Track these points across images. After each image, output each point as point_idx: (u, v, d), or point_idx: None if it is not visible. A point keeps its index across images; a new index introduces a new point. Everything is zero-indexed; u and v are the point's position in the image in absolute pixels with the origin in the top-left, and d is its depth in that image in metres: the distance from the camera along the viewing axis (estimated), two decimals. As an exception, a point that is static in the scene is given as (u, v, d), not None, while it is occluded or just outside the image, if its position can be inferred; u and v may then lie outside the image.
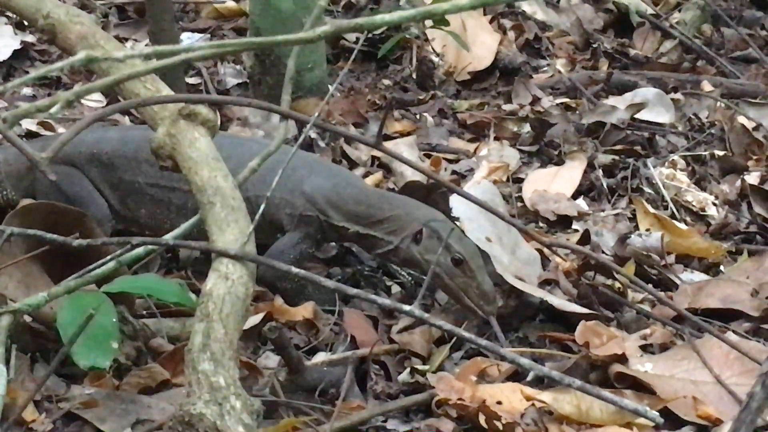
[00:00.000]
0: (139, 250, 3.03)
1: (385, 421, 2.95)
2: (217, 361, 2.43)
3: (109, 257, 2.98)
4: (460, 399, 2.95)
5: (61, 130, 4.38)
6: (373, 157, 4.52)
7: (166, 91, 3.24)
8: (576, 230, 4.04)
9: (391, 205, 3.57)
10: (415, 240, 3.46)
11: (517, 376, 3.12)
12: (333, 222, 3.54)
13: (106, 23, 5.38)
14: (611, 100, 5.15)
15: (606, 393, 2.88)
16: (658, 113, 5.05)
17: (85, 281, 2.89)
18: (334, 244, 3.79)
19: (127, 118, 4.48)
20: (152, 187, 3.61)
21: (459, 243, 3.41)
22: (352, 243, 3.70)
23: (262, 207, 2.93)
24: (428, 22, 5.44)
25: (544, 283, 3.62)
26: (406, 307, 2.57)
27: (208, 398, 2.35)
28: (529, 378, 3.09)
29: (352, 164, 4.49)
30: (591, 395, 2.84)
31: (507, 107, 5.23)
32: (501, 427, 2.87)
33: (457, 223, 3.57)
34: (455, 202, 3.64)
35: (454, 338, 3.31)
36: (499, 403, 2.93)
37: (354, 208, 3.56)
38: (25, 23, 4.82)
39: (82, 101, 4.65)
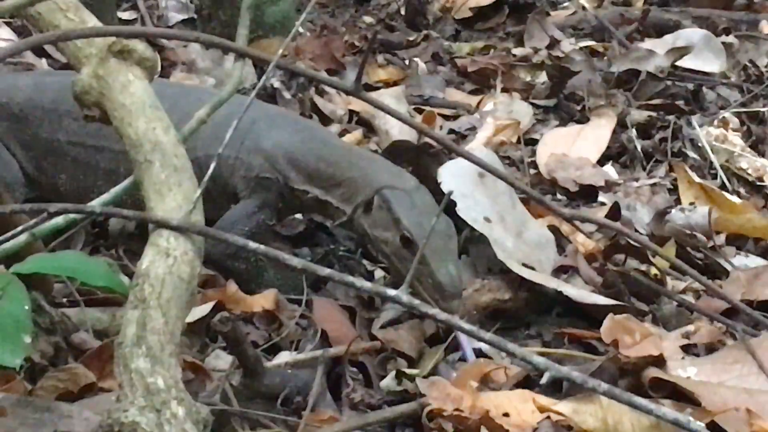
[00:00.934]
0: (58, 220, 2.98)
1: (368, 434, 2.93)
2: (154, 358, 2.42)
3: (20, 228, 2.97)
4: (457, 410, 2.94)
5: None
6: (351, 112, 4.51)
7: (92, 22, 3.23)
8: (603, 203, 4.04)
9: (350, 164, 3.53)
10: (366, 209, 3.43)
11: (528, 382, 3.12)
12: (293, 185, 3.51)
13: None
14: (648, 44, 5.17)
15: (640, 400, 2.86)
16: (706, 60, 5.06)
17: (-7, 259, 2.88)
18: (300, 217, 3.77)
19: (44, 61, 4.46)
20: (75, 147, 3.58)
21: (412, 217, 3.33)
22: (315, 214, 3.68)
23: (212, 167, 2.92)
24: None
25: (560, 271, 3.61)
26: (392, 292, 2.55)
27: (144, 404, 2.33)
28: (543, 381, 3.09)
29: (325, 120, 4.48)
30: (621, 402, 2.82)
31: (518, 52, 5.25)
32: (507, 444, 2.88)
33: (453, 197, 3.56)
34: (444, 173, 3.63)
35: (452, 335, 3.31)
36: (506, 415, 2.92)
37: (315, 166, 3.53)
38: None
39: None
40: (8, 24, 4.63)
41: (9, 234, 2.88)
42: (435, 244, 3.22)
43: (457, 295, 3.20)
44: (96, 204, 2.95)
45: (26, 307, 2.75)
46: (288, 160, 3.51)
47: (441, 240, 3.26)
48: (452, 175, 3.60)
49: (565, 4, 5.71)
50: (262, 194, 3.51)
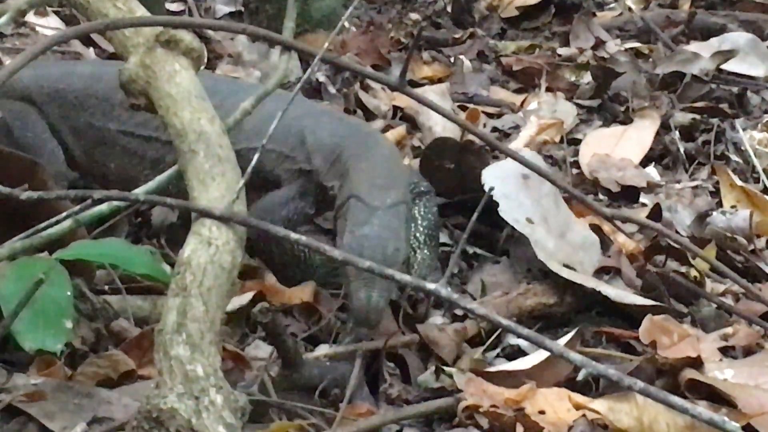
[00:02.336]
0: (102, 207, 3.01)
1: (400, 430, 2.94)
2: (194, 346, 2.43)
3: (64, 215, 2.98)
4: (493, 406, 2.94)
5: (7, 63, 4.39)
6: (395, 108, 4.51)
7: (140, 12, 3.24)
8: (644, 204, 4.04)
9: (352, 163, 3.50)
10: (339, 213, 3.44)
11: (566, 380, 3.12)
12: (323, 182, 3.53)
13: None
14: (693, 46, 5.16)
15: (676, 399, 2.87)
16: (752, 64, 5.05)
17: (34, 244, 2.89)
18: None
19: (92, 50, 4.47)
20: (125, 136, 3.60)
21: (354, 232, 3.28)
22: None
23: (255, 158, 2.94)
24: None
25: (602, 271, 3.61)
26: (431, 285, 2.56)
27: (182, 391, 2.34)
28: (579, 378, 3.09)
29: (370, 115, 4.48)
30: (657, 401, 2.83)
31: (563, 51, 5.25)
32: (543, 442, 2.89)
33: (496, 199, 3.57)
34: (488, 175, 3.63)
35: (493, 337, 3.32)
36: (542, 412, 2.93)
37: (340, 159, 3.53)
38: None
39: (36, 28, 4.65)
40: (57, 13, 4.63)
41: (53, 220, 2.90)
42: (368, 260, 2.98)
43: (367, 323, 3.13)
44: (140, 192, 2.97)
45: (68, 293, 2.76)
46: (321, 151, 3.51)
47: (381, 255, 3.16)
48: (496, 178, 3.59)
49: (612, 5, 5.71)
50: (302, 184, 3.52)
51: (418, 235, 3.53)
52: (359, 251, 3.12)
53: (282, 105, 2.97)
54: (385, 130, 4.35)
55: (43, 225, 2.93)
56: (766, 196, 4.13)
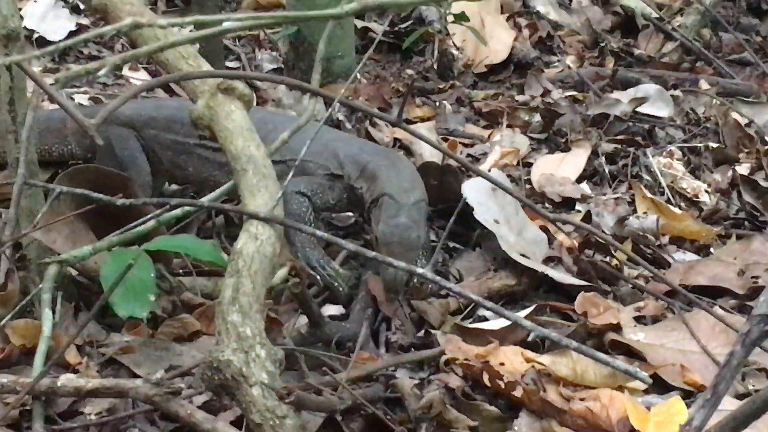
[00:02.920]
0: (177, 211, 3.04)
1: (394, 370, 2.93)
2: (244, 313, 2.44)
3: (148, 216, 3.00)
4: (466, 359, 2.95)
5: (108, 101, 4.41)
6: (395, 139, 4.52)
7: (206, 67, 3.25)
8: (579, 211, 4.04)
9: (382, 173, 3.51)
10: (373, 206, 3.46)
11: (521, 341, 3.12)
12: (352, 183, 3.54)
13: (154, 9, 5.39)
14: (615, 94, 5.15)
15: (600, 354, 2.86)
16: (658, 108, 5.05)
17: (126, 238, 2.90)
18: (351, 214, 3.78)
19: (166, 95, 4.48)
20: (200, 148, 3.64)
21: (389, 224, 3.32)
22: (360, 208, 3.63)
23: (292, 171, 2.96)
24: (450, 18, 5.45)
25: (549, 260, 3.61)
26: (420, 270, 2.57)
27: (236, 347, 2.36)
28: (530, 338, 3.10)
29: (375, 143, 4.50)
30: (587, 356, 2.83)
31: (519, 98, 5.24)
32: (503, 386, 2.87)
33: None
34: (466, 188, 3.65)
35: (468, 308, 3.33)
36: (502, 364, 2.92)
37: (365, 170, 3.54)
38: (81, 5, 4.84)
39: (130, 79, 4.66)
40: (145, 68, 4.64)
41: (140, 221, 2.93)
42: (397, 250, 3.19)
43: (395, 291, 3.20)
44: (205, 200, 2.99)
45: (152, 275, 2.79)
46: (350, 163, 3.52)
47: (403, 248, 3.23)
48: (472, 189, 3.62)
49: (555, 64, 5.70)
50: (330, 180, 3.55)
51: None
52: (391, 237, 3.23)
53: (317, 135, 3.09)
54: (389, 154, 4.38)
55: (133, 224, 2.95)
56: (668, 205, 4.13)
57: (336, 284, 3.32)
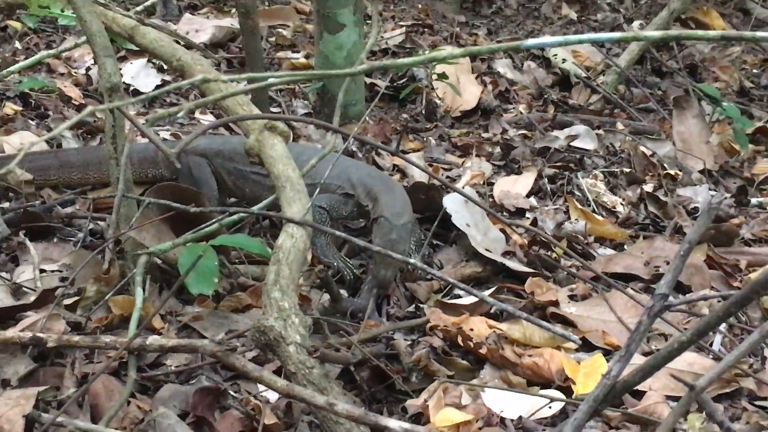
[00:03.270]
0: (234, 216, 3.07)
1: (393, 334, 2.93)
2: (283, 292, 2.44)
3: (213, 221, 3.00)
4: (445, 326, 2.95)
5: (183, 136, 4.41)
6: (394, 165, 4.52)
7: (256, 112, 3.26)
8: (528, 218, 4.04)
9: (382, 196, 3.48)
10: (374, 222, 3.43)
11: (486, 313, 3.12)
12: (359, 200, 3.52)
13: (218, 69, 5.40)
14: (555, 133, 5.14)
15: (543, 322, 2.88)
16: (586, 142, 5.05)
17: (197, 236, 2.90)
18: (361, 220, 3.78)
19: (228, 133, 4.48)
20: (254, 174, 3.61)
21: (382, 238, 3.29)
22: (366, 219, 3.59)
23: (317, 190, 2.97)
24: (434, 76, 5.46)
25: (506, 254, 3.61)
26: (411, 260, 2.58)
27: (277, 316, 2.36)
28: (492, 311, 3.10)
29: (379, 168, 4.49)
30: (534, 324, 2.84)
31: (485, 135, 5.23)
32: (472, 346, 2.87)
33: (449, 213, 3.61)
34: (446, 200, 3.66)
35: (447, 289, 3.33)
36: (471, 329, 2.93)
37: (370, 192, 3.51)
38: (164, 66, 4.84)
39: (200, 120, 4.67)
40: (212, 112, 4.64)
41: (207, 223, 2.92)
42: (389, 258, 3.06)
43: (383, 287, 3.17)
44: (255, 209, 2.99)
45: (215, 263, 2.80)
46: (360, 186, 3.51)
47: (388, 251, 3.06)
48: (451, 202, 3.63)
49: (511, 110, 5.69)
50: (345, 197, 3.53)
51: (415, 243, 3.56)
52: (386, 249, 3.11)
53: (340, 162, 3.25)
54: (389, 176, 4.37)
55: (202, 226, 2.95)
56: (594, 214, 4.13)
57: (346, 272, 3.32)
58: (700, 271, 3.54)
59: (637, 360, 2.39)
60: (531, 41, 1.60)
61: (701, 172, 4.88)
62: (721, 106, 5.38)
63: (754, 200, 4.64)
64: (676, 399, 2.71)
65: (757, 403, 2.80)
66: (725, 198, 4.52)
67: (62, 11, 4.50)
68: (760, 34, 1.49)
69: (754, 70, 7.20)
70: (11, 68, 4.68)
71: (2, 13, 5.15)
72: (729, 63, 7.02)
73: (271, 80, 1.92)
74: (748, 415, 2.72)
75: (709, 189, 4.62)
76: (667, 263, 3.60)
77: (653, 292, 3.40)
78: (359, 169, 3.67)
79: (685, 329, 3.03)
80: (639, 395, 2.71)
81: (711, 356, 2.97)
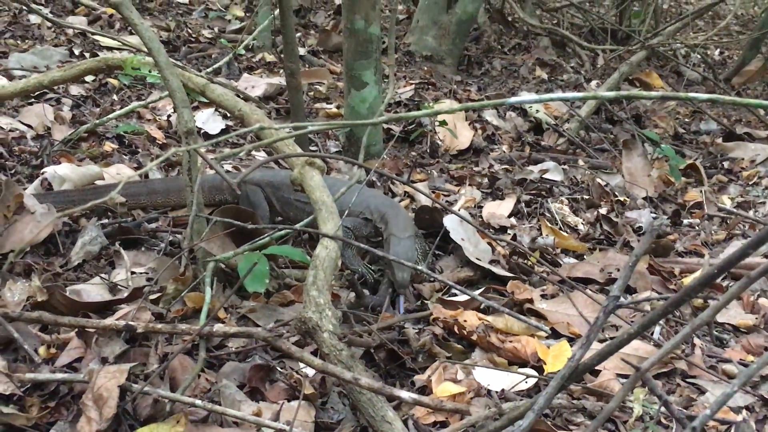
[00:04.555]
0: (281, 232, 3.06)
1: (404, 324, 2.92)
2: (320, 291, 2.44)
3: (265, 235, 3.00)
4: (444, 318, 2.95)
5: (243, 169, 4.42)
6: (405, 192, 4.52)
7: (298, 150, 3.27)
8: (509, 234, 4.02)
9: (391, 219, 3.47)
10: (385, 240, 3.42)
11: (476, 308, 3.11)
12: (376, 224, 3.51)
13: (269, 116, 5.41)
14: (530, 167, 5.14)
15: (521, 316, 2.87)
16: (555, 175, 5.04)
17: (253, 247, 2.90)
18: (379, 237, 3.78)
19: (277, 167, 4.49)
20: (298, 201, 3.61)
21: (395, 249, 3.27)
22: (381, 237, 3.56)
23: (346, 212, 2.97)
24: (436, 122, 5.46)
25: (492, 262, 3.60)
26: (419, 267, 2.58)
27: (314, 310, 2.35)
28: (482, 306, 3.09)
29: (394, 194, 4.49)
30: (513, 317, 2.83)
31: (476, 169, 5.23)
32: (466, 333, 2.87)
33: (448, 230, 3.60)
34: (446, 220, 3.65)
35: (446, 289, 3.31)
36: (465, 321, 2.92)
37: (383, 216, 3.50)
38: (228, 114, 4.87)
39: (256, 156, 4.68)
40: (265, 151, 4.65)
41: (261, 237, 2.92)
42: (396, 263, 3.06)
43: (402, 287, 3.10)
44: (297, 226, 2.98)
45: (267, 268, 2.77)
46: (376, 212, 3.50)
47: (407, 260, 3.12)
48: (449, 221, 3.63)
49: (496, 150, 5.69)
50: (365, 220, 3.52)
51: (420, 254, 3.54)
52: (397, 255, 3.13)
53: (362, 192, 3.26)
54: (402, 201, 4.35)
55: (257, 239, 2.95)
56: (560, 231, 4.11)
57: (367, 276, 3.31)
58: (643, 276, 3.52)
59: (595, 346, 2.39)
60: (513, 99, 1.61)
61: (644, 198, 4.88)
62: (660, 147, 5.38)
63: (685, 221, 4.64)
64: (624, 376, 2.71)
65: (688, 380, 2.79)
66: (663, 220, 4.51)
67: (150, 72, 4.52)
68: (692, 95, 1.50)
69: (686, 119, 7.20)
70: (110, 115, 4.72)
71: (103, 72, 5.18)
72: (666, 114, 7.02)
73: (310, 127, 1.93)
74: (681, 390, 2.72)
75: (651, 212, 4.60)
76: (618, 270, 3.60)
77: (608, 294, 3.42)
78: (375, 198, 3.65)
79: (632, 322, 3.03)
80: (596, 373, 2.71)
81: (652, 343, 2.96)
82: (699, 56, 8.94)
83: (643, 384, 2.48)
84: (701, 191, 5.08)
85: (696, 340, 3.04)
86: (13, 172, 3.90)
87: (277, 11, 4.74)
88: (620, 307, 1.67)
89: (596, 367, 2.31)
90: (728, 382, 2.69)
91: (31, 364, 2.36)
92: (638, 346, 2.87)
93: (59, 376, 2.26)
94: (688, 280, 3.65)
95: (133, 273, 3.07)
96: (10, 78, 5.21)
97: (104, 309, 2.76)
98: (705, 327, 3.12)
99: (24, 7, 6.62)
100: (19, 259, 2.97)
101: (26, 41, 6.43)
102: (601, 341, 2.88)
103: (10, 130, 4.38)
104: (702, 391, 2.71)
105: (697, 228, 4.52)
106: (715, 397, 2.61)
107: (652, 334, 3.05)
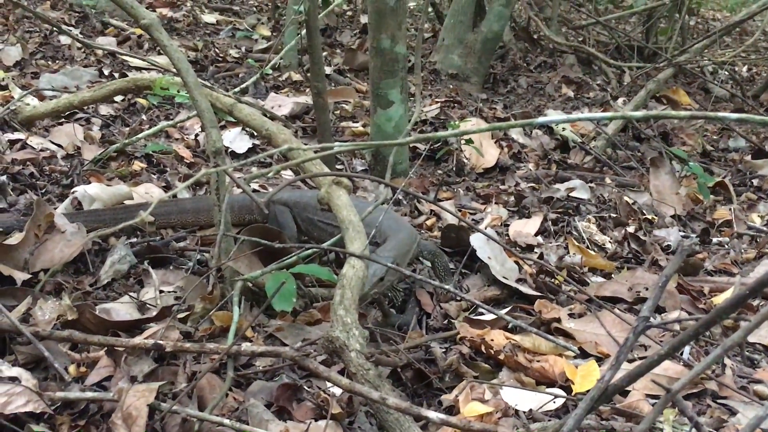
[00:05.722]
0: (308, 251, 3.07)
1: (431, 343, 2.91)
2: (347, 309, 2.44)
3: (292, 254, 3.02)
4: (471, 337, 2.94)
5: (270, 189, 4.44)
6: (431, 210, 4.52)
7: (325, 170, 3.28)
8: (536, 252, 4.01)
9: (403, 241, 3.36)
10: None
11: (503, 327, 3.10)
12: (377, 241, 3.43)
13: (296, 135, 5.45)
14: (557, 186, 5.13)
15: (548, 335, 2.86)
16: (581, 193, 5.02)
17: (281, 266, 2.92)
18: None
19: (304, 185, 4.51)
20: (322, 222, 3.60)
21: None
22: None
23: (373, 232, 2.97)
24: (462, 141, 5.47)
25: (519, 281, 3.58)
26: (446, 286, 2.57)
27: (341, 328, 2.35)
28: (509, 326, 3.08)
29: (420, 213, 4.49)
30: (541, 336, 2.82)
31: (502, 187, 5.22)
32: (493, 353, 2.85)
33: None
34: (472, 238, 3.64)
35: (472, 308, 3.29)
36: (492, 340, 2.91)
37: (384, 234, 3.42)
38: (254, 133, 4.91)
39: (283, 176, 4.70)
40: (292, 170, 4.67)
41: (288, 256, 2.93)
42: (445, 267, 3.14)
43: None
44: (325, 245, 2.99)
45: (294, 287, 2.78)
46: (384, 234, 3.40)
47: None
48: (476, 239, 3.62)
49: (522, 168, 5.68)
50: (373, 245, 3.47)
51: (440, 267, 3.51)
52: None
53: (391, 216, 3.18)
54: (427, 219, 4.35)
55: (284, 258, 2.96)
56: (587, 249, 4.09)
57: (393, 294, 3.30)
58: (673, 295, 3.49)
59: (624, 366, 2.37)
60: (542, 119, 1.61)
61: (672, 217, 4.84)
62: (688, 165, 5.34)
63: (714, 239, 4.59)
64: (653, 397, 2.68)
65: (719, 401, 2.75)
66: (694, 240, 4.48)
67: (178, 92, 4.57)
68: (722, 114, 1.49)
69: (714, 137, 7.15)
70: (139, 135, 4.78)
71: (132, 92, 5.25)
72: (694, 131, 6.97)
73: (336, 147, 1.94)
74: (711, 411, 2.68)
75: (679, 230, 4.57)
76: (646, 289, 3.57)
77: (636, 313, 3.40)
78: (387, 220, 3.51)
79: (661, 342, 3.00)
80: (625, 394, 2.68)
81: (681, 363, 2.93)
82: (727, 73, 8.88)
83: (673, 405, 2.46)
84: (730, 209, 5.03)
85: (726, 360, 3.01)
86: (43, 191, 3.95)
87: (303, 31, 4.77)
88: (650, 328, 1.66)
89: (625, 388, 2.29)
90: (761, 404, 2.66)
91: (61, 382, 2.38)
92: (667, 366, 2.84)
93: (89, 394, 2.28)
94: (717, 300, 3.62)
95: (161, 292, 3.09)
96: (41, 98, 5.29)
97: (133, 328, 2.78)
98: (736, 347, 3.08)
99: (55, 29, 6.73)
100: (49, 278, 3.00)
101: (57, 62, 6.53)
102: (629, 361, 2.86)
103: (41, 150, 4.44)
104: (733, 413, 2.67)
105: (726, 246, 4.48)
106: (747, 418, 2.58)
107: (681, 354, 3.02)
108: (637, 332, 1.62)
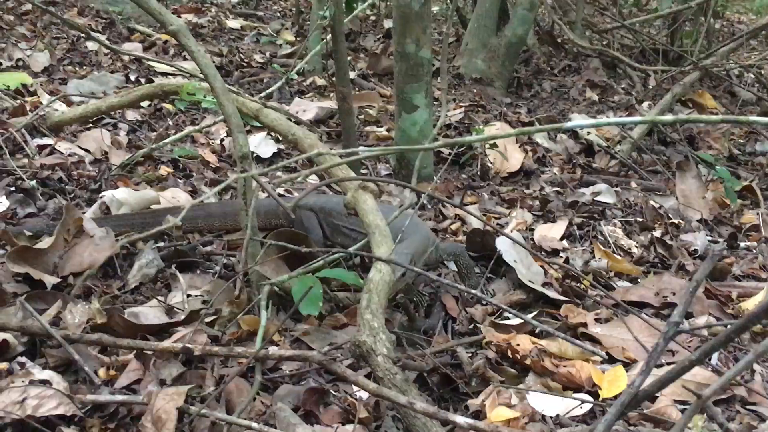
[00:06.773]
0: (335, 255, 3.07)
1: (457, 348, 2.90)
2: (374, 314, 2.44)
3: (319, 259, 3.02)
4: (497, 342, 2.93)
5: (295, 193, 4.45)
6: (456, 215, 4.51)
7: (351, 174, 3.28)
8: (561, 257, 3.99)
9: (403, 240, 3.24)
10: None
11: (530, 332, 3.09)
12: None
13: (320, 139, 5.46)
14: (582, 190, 5.11)
15: (575, 340, 2.83)
16: (607, 197, 5.00)
17: (307, 270, 2.92)
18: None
19: (329, 191, 4.51)
20: (346, 227, 3.59)
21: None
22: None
23: (399, 237, 2.97)
24: (487, 146, 5.46)
25: (545, 285, 3.57)
26: (473, 291, 2.56)
27: (368, 333, 2.36)
28: (536, 331, 3.07)
29: (444, 217, 4.48)
30: (567, 341, 2.80)
31: (527, 191, 5.21)
32: (519, 358, 2.85)
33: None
34: (498, 242, 3.65)
35: (498, 312, 3.28)
36: (518, 345, 2.90)
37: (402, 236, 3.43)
38: (280, 138, 4.92)
39: (309, 180, 4.71)
40: (317, 174, 4.68)
41: (314, 261, 2.93)
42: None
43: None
44: (351, 250, 2.99)
45: (320, 291, 2.78)
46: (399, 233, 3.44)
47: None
48: (501, 243, 3.62)
49: (547, 172, 5.66)
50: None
51: (463, 265, 3.50)
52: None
53: (408, 217, 3.10)
54: (452, 223, 4.35)
55: (310, 263, 2.97)
56: (613, 254, 4.07)
57: (419, 299, 3.29)
58: (700, 300, 3.47)
59: (653, 372, 2.35)
60: (570, 123, 1.61)
61: (699, 221, 4.81)
62: (714, 169, 5.31)
63: (742, 244, 4.56)
64: (682, 402, 2.67)
65: (748, 407, 2.73)
66: (723, 245, 4.45)
67: (204, 97, 4.60)
68: (752, 118, 1.48)
69: (740, 140, 7.09)
70: (165, 140, 4.81)
71: (159, 98, 5.29)
72: (720, 135, 6.92)
73: (361, 152, 1.95)
74: (741, 417, 2.66)
75: (706, 235, 4.54)
76: (674, 294, 3.55)
77: (663, 318, 3.38)
78: (408, 226, 3.55)
79: (689, 347, 2.98)
80: (652, 399, 2.67)
81: (710, 369, 2.91)
82: (753, 76, 8.80)
83: (702, 411, 2.44)
84: (758, 213, 4.99)
85: (755, 366, 2.98)
86: (72, 196, 3.99)
87: (328, 36, 4.79)
88: (680, 333, 1.65)
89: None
90: (790, 410, 2.63)
91: (91, 385, 2.40)
92: (696, 372, 2.82)
93: (119, 398, 2.30)
94: (746, 305, 3.59)
95: (188, 296, 3.10)
96: (69, 104, 5.35)
97: (161, 331, 2.80)
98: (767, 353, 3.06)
99: (82, 35, 6.80)
100: (82, 283, 3.02)
101: (84, 68, 6.60)
102: (657, 366, 2.84)
103: (69, 155, 4.49)
104: (762, 419, 2.65)
105: (754, 251, 4.44)
106: (777, 425, 2.56)
107: (710, 360, 3.00)
108: (668, 337, 1.61)
